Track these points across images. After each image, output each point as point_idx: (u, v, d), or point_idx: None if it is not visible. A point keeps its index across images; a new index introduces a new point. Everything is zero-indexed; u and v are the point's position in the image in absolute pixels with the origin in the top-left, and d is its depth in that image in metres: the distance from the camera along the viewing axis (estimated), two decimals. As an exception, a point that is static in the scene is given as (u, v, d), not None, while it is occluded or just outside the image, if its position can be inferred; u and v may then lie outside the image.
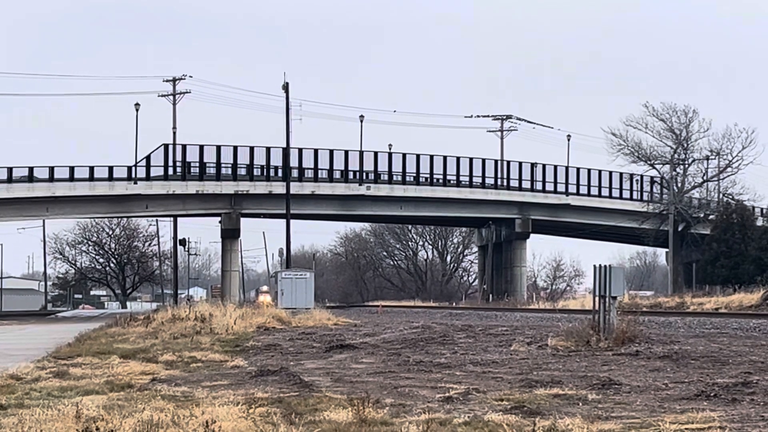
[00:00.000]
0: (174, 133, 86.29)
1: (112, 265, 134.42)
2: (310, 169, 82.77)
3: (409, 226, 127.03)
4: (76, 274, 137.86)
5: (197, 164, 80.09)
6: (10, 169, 74.26)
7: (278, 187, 77.56)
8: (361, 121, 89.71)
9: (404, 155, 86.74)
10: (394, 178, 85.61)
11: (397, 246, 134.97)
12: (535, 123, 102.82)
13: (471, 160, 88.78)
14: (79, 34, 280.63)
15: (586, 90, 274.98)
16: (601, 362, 19.11)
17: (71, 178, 75.61)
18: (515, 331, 29.75)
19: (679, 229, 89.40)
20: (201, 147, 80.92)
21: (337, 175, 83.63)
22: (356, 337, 27.99)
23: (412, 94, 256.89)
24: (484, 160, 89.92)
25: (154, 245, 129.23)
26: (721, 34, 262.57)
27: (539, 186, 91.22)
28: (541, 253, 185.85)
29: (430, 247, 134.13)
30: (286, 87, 70.17)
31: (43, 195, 74.92)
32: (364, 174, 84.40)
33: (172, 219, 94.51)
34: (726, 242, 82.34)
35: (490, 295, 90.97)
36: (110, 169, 77.54)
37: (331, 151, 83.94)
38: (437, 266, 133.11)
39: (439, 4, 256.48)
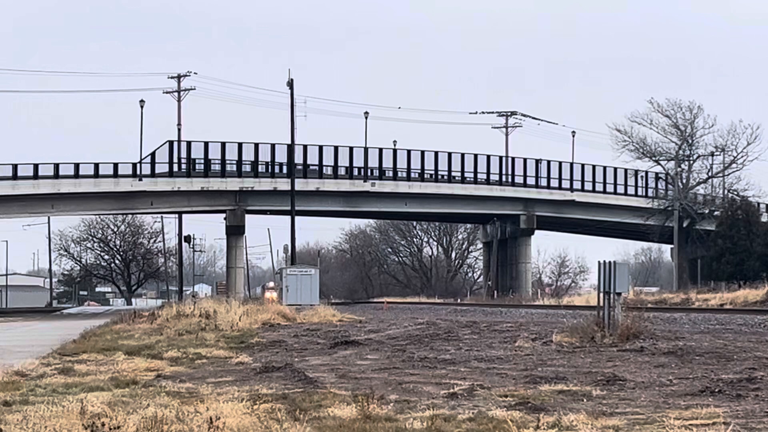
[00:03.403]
0: (179, 129, 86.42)
1: (117, 261, 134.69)
2: (315, 165, 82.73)
3: (414, 223, 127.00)
4: (81, 271, 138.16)
5: (202, 161, 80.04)
6: (15, 166, 74.35)
7: (283, 184, 77.57)
8: (366, 118, 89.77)
9: (409, 152, 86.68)
10: (399, 174, 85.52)
11: (402, 242, 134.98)
12: (539, 119, 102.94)
13: (476, 156, 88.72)
14: (83, 32, 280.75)
15: (590, 86, 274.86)
16: (606, 358, 19.10)
17: (76, 175, 75.67)
18: (520, 327, 29.71)
19: (684, 225, 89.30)
20: (206, 144, 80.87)
21: (341, 171, 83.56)
22: (361, 334, 27.99)
23: (416, 91, 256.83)
24: (488, 157, 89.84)
25: (159, 242, 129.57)
26: (725, 31, 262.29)
27: (544, 182, 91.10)
28: (545, 249, 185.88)
29: (435, 243, 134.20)
30: (290, 84, 70.22)
31: (48, 192, 74.99)
32: (369, 170, 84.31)
33: (177, 216, 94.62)
34: (731, 238, 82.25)
35: (495, 292, 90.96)
36: (115, 166, 77.57)
37: (336, 148, 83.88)
38: (442, 263, 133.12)
39: (444, 1, 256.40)
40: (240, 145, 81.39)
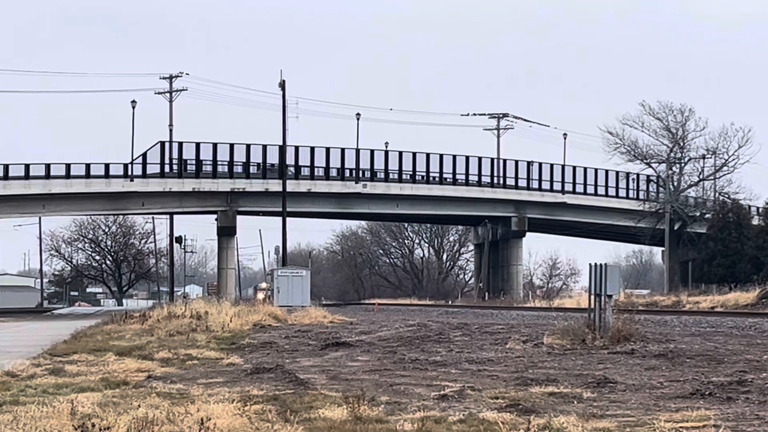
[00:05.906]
0: (170, 130, 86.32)
1: (108, 262, 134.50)
2: (307, 166, 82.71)
3: (406, 224, 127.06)
4: (72, 271, 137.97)
5: (194, 162, 79.99)
6: (6, 166, 74.23)
7: (275, 185, 77.55)
8: (358, 119, 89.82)
9: (401, 153, 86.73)
10: (391, 176, 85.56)
11: (394, 244, 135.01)
12: (531, 121, 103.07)
13: (467, 158, 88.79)
14: (75, 32, 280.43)
15: (582, 88, 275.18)
16: (597, 360, 19.10)
17: (67, 176, 75.60)
18: (511, 329, 29.72)
19: (676, 227, 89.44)
20: (197, 144, 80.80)
21: (333, 172, 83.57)
22: (352, 335, 27.97)
23: (408, 93, 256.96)
24: (480, 159, 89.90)
25: (151, 243, 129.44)
26: (718, 33, 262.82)
27: (535, 184, 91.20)
28: (537, 251, 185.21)
29: (427, 245, 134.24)
30: (282, 85, 70.20)
31: (39, 192, 74.88)
32: (361, 172, 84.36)
33: (168, 216, 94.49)
34: (722, 241, 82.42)
35: (486, 294, 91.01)
36: (107, 166, 77.51)
37: (328, 149, 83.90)
38: (433, 264, 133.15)
39: (436, 1, 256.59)
40: (231, 146, 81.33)
